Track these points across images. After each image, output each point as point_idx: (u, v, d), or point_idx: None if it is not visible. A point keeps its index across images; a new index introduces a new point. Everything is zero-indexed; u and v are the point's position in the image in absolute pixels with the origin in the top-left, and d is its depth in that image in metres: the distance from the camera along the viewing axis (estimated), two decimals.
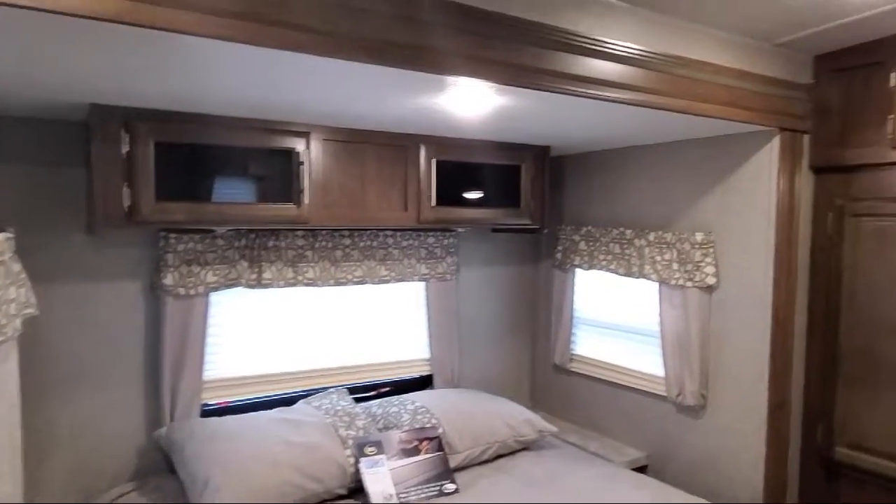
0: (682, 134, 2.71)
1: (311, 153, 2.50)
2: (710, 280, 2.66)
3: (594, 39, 1.92)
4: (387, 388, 3.20)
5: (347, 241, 2.94)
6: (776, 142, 2.46)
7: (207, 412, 2.72)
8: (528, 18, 1.79)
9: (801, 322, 2.60)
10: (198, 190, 2.35)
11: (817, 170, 2.57)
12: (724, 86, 2.24)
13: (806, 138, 2.54)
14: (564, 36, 1.87)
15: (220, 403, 2.80)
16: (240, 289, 2.71)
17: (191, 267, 2.56)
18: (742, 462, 2.60)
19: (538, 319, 3.68)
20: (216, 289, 2.63)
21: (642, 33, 2.04)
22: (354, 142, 2.62)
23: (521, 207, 3.09)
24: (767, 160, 2.49)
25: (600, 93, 1.98)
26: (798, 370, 2.61)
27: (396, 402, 2.87)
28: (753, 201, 2.54)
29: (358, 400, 2.92)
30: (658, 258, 2.82)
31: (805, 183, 2.55)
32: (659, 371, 2.92)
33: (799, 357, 2.61)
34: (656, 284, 2.87)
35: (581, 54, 1.92)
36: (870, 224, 2.42)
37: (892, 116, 2.31)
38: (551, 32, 1.84)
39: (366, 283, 3.00)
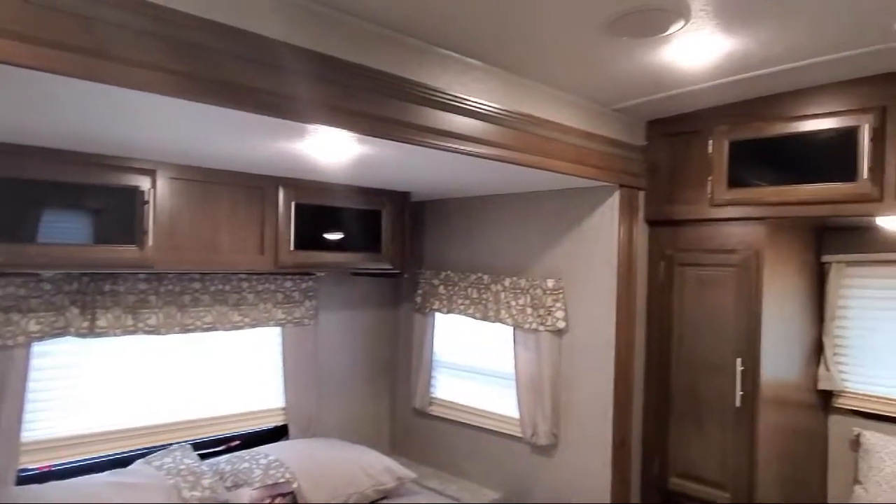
0: (535, 186, 2.87)
1: (158, 192, 2.34)
2: (561, 324, 2.82)
3: (454, 96, 2.00)
4: (236, 442, 3.01)
5: (197, 286, 2.76)
6: (616, 196, 2.69)
7: (26, 479, 2.39)
8: (390, 72, 1.82)
9: (639, 363, 2.82)
10: (18, 229, 2.10)
11: (651, 223, 2.84)
12: (571, 144, 2.42)
13: (641, 194, 2.80)
14: (425, 91, 1.92)
15: (43, 468, 2.47)
16: (69, 338, 2.43)
17: (9, 314, 2.27)
18: (590, 496, 2.74)
19: (398, 363, 3.68)
20: (40, 338, 2.35)
21: (499, 92, 2.15)
22: (208, 181, 2.50)
23: (382, 252, 3.10)
24: (609, 213, 2.71)
25: (459, 146, 2.05)
26: (637, 408, 2.82)
27: (248, 457, 2.70)
28: (598, 250, 2.75)
29: (204, 456, 2.71)
30: (513, 303, 2.95)
31: (641, 234, 2.81)
32: (514, 412, 3.02)
33: (638, 396, 2.82)
34: (511, 328, 2.99)
35: (441, 109, 1.98)
36: (693, 272, 2.70)
37: (710, 178, 2.62)
38: (413, 87, 1.89)
39: (216, 329, 2.82)
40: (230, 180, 2.55)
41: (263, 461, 2.65)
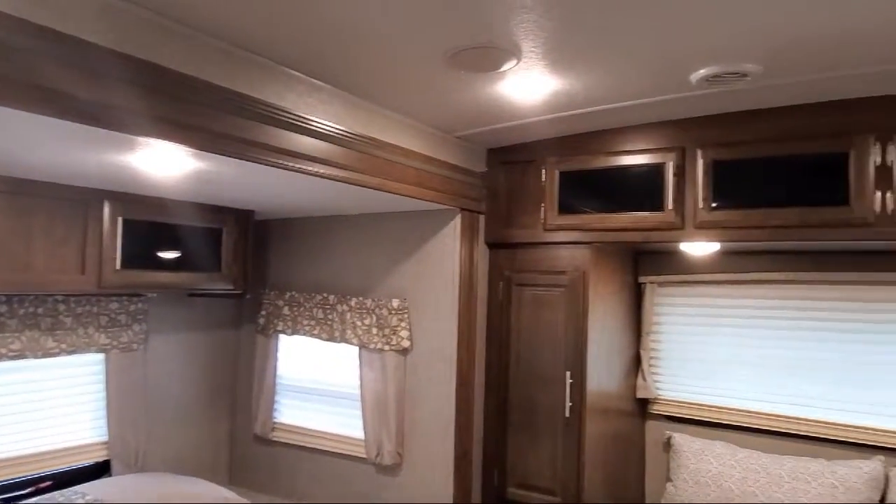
0: (380, 207, 2.92)
1: None
2: (406, 343, 2.87)
3: (298, 115, 1.99)
4: (47, 483, 2.70)
5: (3, 308, 2.46)
6: (458, 220, 2.81)
7: None
8: (230, 87, 1.78)
9: (480, 379, 2.95)
10: None
11: (491, 245, 3.00)
12: (414, 168, 2.50)
13: (482, 218, 2.95)
14: (268, 109, 1.89)
15: None
16: None
17: None
18: None
19: (239, 388, 3.52)
20: None
21: (345, 115, 2.18)
22: (20, 193, 2.25)
23: (222, 271, 2.97)
24: (452, 235, 2.82)
25: (302, 166, 2.04)
26: (478, 422, 2.94)
27: (62, 498, 2.44)
28: (441, 271, 2.85)
29: (9, 501, 2.40)
30: (359, 323, 2.95)
31: (482, 256, 2.95)
32: (360, 434, 3.01)
33: (479, 410, 2.94)
34: (357, 348, 2.99)
35: (285, 128, 1.97)
36: (529, 292, 2.89)
37: (543, 205, 2.82)
38: (255, 104, 1.85)
39: (26, 357, 2.53)
40: (47, 193, 2.32)
41: (80, 501, 2.41)
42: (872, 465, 2.80)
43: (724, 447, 3.10)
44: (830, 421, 2.98)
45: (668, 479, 3.19)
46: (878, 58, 1.93)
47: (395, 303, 2.88)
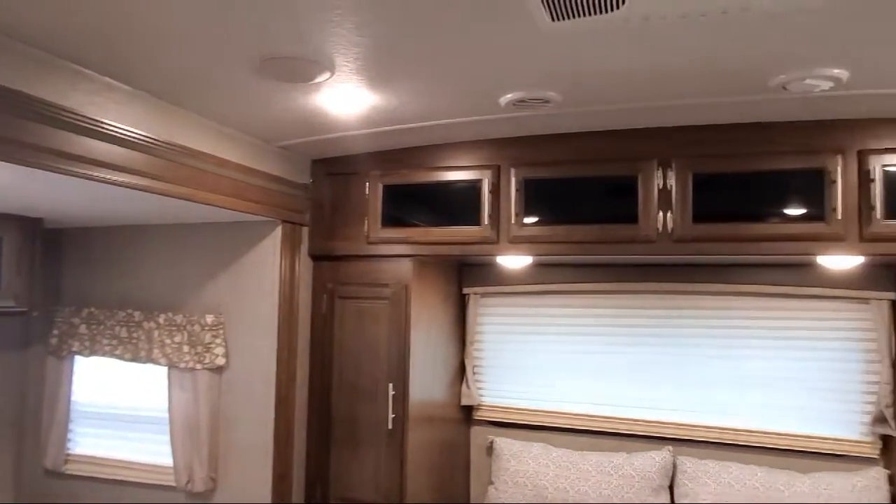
0: (192, 217, 2.75)
1: None
2: (220, 361, 2.72)
3: (85, 117, 1.80)
4: None
5: None
6: (279, 231, 2.72)
7: None
8: None
9: (302, 395, 2.87)
10: None
11: (315, 257, 2.94)
12: (230, 178, 2.38)
13: (305, 230, 2.88)
14: (46, 108, 1.69)
15: None
16: None
17: None
18: None
19: (26, 418, 3.11)
20: None
21: (145, 118, 2.01)
22: None
23: (2, 287, 2.61)
24: (272, 247, 2.72)
25: (92, 172, 1.85)
26: (300, 440, 2.86)
27: None
28: (260, 284, 2.73)
29: None
30: (168, 341, 2.75)
31: (305, 268, 2.88)
32: (168, 460, 2.79)
33: (301, 427, 2.86)
34: (165, 368, 2.78)
35: (71, 131, 1.78)
36: (353, 305, 2.87)
37: (367, 218, 2.82)
38: (28, 102, 1.65)
39: None
40: None
41: None
42: (663, 455, 3.12)
43: (540, 448, 3.29)
44: (629, 417, 3.28)
45: (491, 482, 3.32)
46: (657, 95, 2.17)
47: (210, 318, 2.71)
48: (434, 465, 3.06)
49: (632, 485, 3.04)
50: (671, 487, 3.09)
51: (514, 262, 2.99)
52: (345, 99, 2.15)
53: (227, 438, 2.74)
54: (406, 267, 2.80)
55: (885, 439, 2.92)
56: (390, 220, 2.82)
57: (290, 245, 2.77)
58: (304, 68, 1.87)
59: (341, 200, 2.90)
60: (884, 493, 2.81)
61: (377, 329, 2.82)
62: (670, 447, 3.15)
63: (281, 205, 2.68)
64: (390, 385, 2.75)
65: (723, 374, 3.15)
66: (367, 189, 2.83)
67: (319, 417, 2.88)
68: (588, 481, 3.09)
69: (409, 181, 2.80)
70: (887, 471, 2.88)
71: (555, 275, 3.30)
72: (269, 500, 2.65)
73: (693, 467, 3.05)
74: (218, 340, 2.72)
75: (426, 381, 2.96)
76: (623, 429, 3.28)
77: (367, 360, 2.82)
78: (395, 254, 2.80)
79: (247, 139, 2.48)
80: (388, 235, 2.81)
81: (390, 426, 2.74)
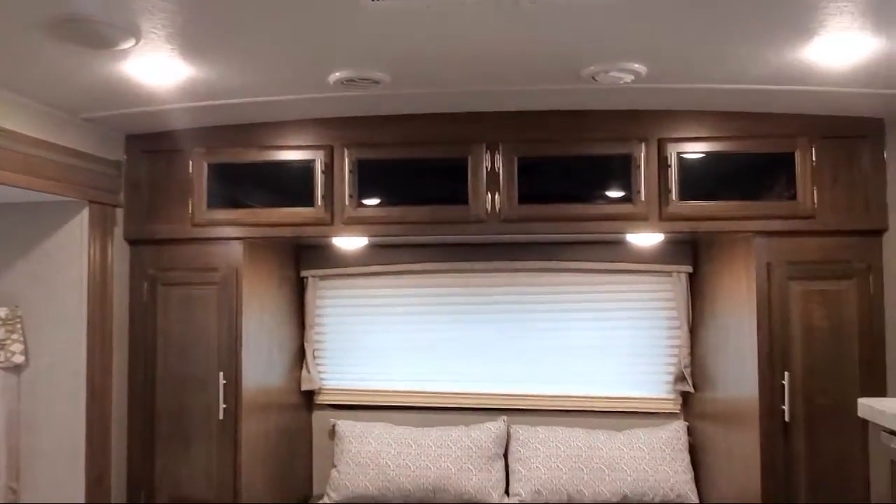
0: None
1: None
2: (18, 359, 2.43)
3: None
4: None
5: None
6: (86, 213, 2.46)
7: None
8: None
9: (121, 390, 2.65)
10: None
11: (132, 242, 2.71)
12: (21, 153, 2.11)
13: (119, 211, 2.64)
14: None
15: None
16: None
17: None
18: None
19: None
20: None
21: None
22: None
23: None
24: (78, 231, 2.47)
25: None
26: (120, 438, 2.64)
27: None
28: (65, 273, 2.47)
29: None
30: None
31: (120, 253, 2.65)
32: None
33: (121, 424, 2.64)
34: None
35: None
36: (178, 292, 2.69)
37: (191, 198, 2.65)
38: None
39: None
40: None
41: None
42: (498, 425, 3.29)
43: (382, 427, 3.33)
44: (466, 392, 3.42)
45: (334, 466, 3.30)
46: (481, 80, 2.24)
47: (3, 312, 2.40)
48: (272, 453, 2.98)
49: (469, 456, 3.17)
50: (506, 455, 3.27)
51: (350, 243, 2.97)
52: (157, 69, 1.99)
53: (29, 443, 2.46)
54: (236, 250, 2.68)
55: (685, 396, 3.30)
56: (217, 201, 2.67)
57: (101, 228, 2.52)
58: (103, 33, 1.70)
59: (161, 180, 2.69)
60: (684, 443, 3.18)
61: (206, 316, 2.67)
62: (505, 417, 3.33)
63: (87, 184, 2.43)
64: (221, 374, 2.62)
65: (549, 345, 3.38)
66: (190, 168, 2.65)
67: (142, 413, 2.68)
68: (429, 456, 3.17)
69: (236, 160, 2.67)
70: (686, 423, 3.26)
71: (392, 256, 3.33)
72: None
73: (525, 434, 3.25)
74: (14, 336, 2.42)
75: (261, 368, 2.86)
76: (461, 403, 3.41)
77: (196, 349, 2.66)
78: (224, 237, 2.66)
79: (43, 109, 2.21)
80: (216, 217, 2.66)
81: (221, 417, 2.61)
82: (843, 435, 2.39)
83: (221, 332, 2.65)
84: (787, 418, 2.41)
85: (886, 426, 1.63)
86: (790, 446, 2.43)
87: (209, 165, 2.65)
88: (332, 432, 3.40)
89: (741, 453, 2.61)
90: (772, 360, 2.45)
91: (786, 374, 2.42)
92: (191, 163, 2.65)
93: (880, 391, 2.41)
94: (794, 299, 2.46)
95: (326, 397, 3.50)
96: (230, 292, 2.66)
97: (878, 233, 2.47)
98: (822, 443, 2.42)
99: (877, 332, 2.44)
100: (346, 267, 3.34)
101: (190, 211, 2.65)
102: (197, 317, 2.67)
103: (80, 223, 2.46)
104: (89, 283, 2.45)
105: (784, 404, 2.41)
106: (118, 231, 2.63)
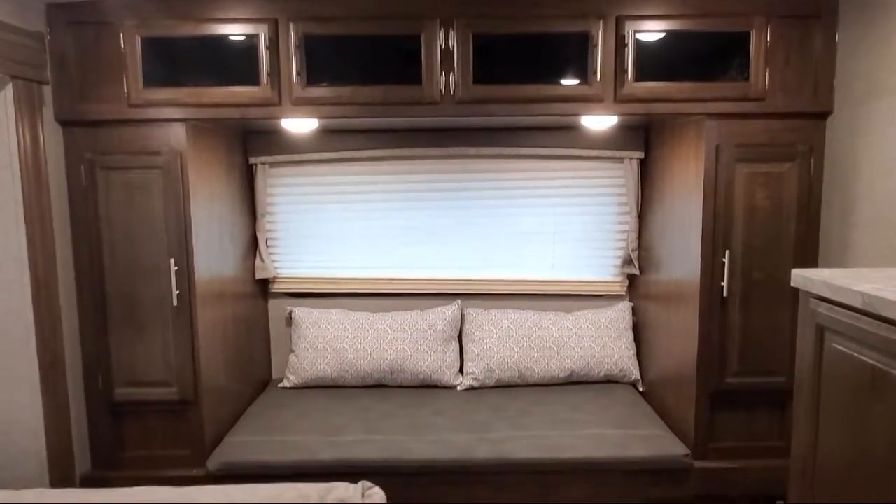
0: None
1: None
2: None
3: None
4: None
5: None
6: (9, 90, 2.28)
7: None
8: None
9: (68, 277, 2.59)
10: None
11: (64, 123, 2.55)
12: None
13: (46, 89, 2.46)
14: None
15: None
16: None
17: None
18: (22, 434, 2.44)
19: None
20: None
21: None
22: None
23: None
24: (2, 109, 2.29)
25: None
26: (72, 325, 2.61)
27: None
28: None
29: None
30: None
31: (53, 136, 2.49)
32: None
33: (71, 311, 2.60)
34: None
35: None
36: (119, 176, 2.57)
37: (125, 76, 2.48)
38: None
39: None
40: None
41: None
42: (452, 309, 3.39)
43: (339, 314, 3.39)
44: (421, 277, 3.48)
45: (291, 351, 3.37)
46: None
47: None
48: (230, 341, 3.01)
49: (425, 338, 3.28)
50: (460, 337, 3.39)
51: (299, 126, 2.87)
52: None
53: None
54: (178, 133, 2.55)
55: (631, 278, 3.44)
56: (155, 79, 2.51)
57: (29, 107, 2.34)
58: None
59: (91, 55, 2.49)
60: (628, 322, 3.35)
61: (151, 202, 2.58)
62: (459, 301, 3.42)
63: (6, 56, 2.23)
64: (172, 261, 2.58)
65: (502, 231, 3.44)
66: (122, 42, 2.46)
67: (93, 300, 2.63)
68: (385, 339, 3.27)
69: (173, 34, 2.49)
70: (631, 304, 3.42)
71: (345, 142, 3.26)
72: (39, 393, 2.42)
73: (479, 317, 3.36)
74: None
75: (213, 256, 2.83)
76: (416, 289, 3.49)
77: (143, 236, 2.59)
78: (164, 118, 2.53)
79: None
80: (154, 97, 2.51)
81: (176, 303, 2.60)
82: (775, 307, 2.55)
83: (169, 218, 2.57)
84: (725, 293, 2.55)
85: (815, 292, 1.73)
86: (726, 319, 2.58)
87: (142, 39, 2.46)
88: (289, 319, 3.45)
89: (681, 329, 2.77)
90: (714, 239, 2.55)
91: (726, 252, 2.53)
92: (122, 36, 2.46)
93: (812, 266, 2.56)
94: (739, 181, 2.53)
95: (282, 286, 3.52)
96: (175, 177, 2.56)
97: (823, 116, 2.52)
98: (755, 315, 2.58)
99: (813, 211, 2.55)
100: (296, 153, 3.25)
101: (125, 90, 2.49)
102: (141, 202, 2.58)
103: (3, 101, 2.28)
104: (22, 166, 2.31)
105: (723, 281, 2.54)
106: (48, 112, 2.46)
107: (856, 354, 1.56)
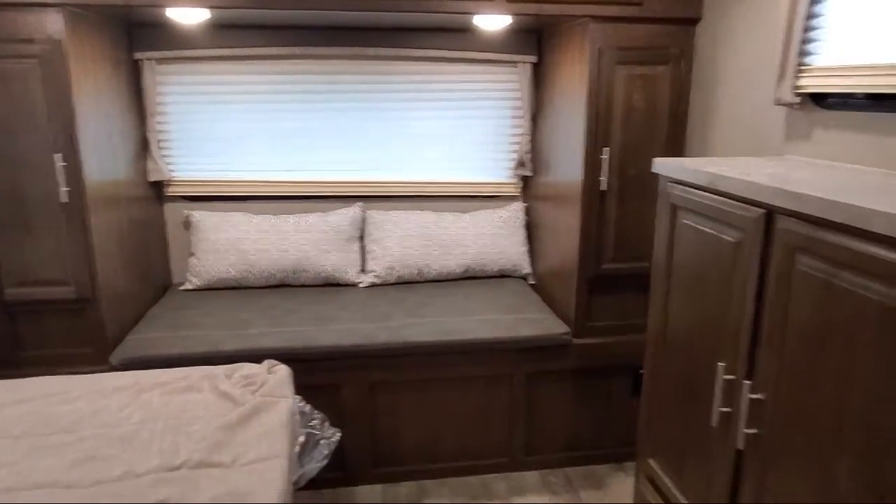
0: None
1: None
2: None
3: None
4: None
5: None
6: None
7: None
8: None
9: None
10: None
11: None
12: None
13: None
14: None
15: None
16: None
17: None
18: None
19: None
20: None
21: None
22: None
23: None
24: None
25: None
26: None
27: None
28: None
29: None
30: None
31: None
32: None
33: None
34: None
35: None
36: None
37: None
38: None
39: None
40: None
41: None
42: (354, 211, 3.48)
43: (240, 217, 3.40)
44: (322, 180, 3.53)
45: (191, 254, 3.37)
46: None
47: None
48: (126, 244, 2.96)
49: (328, 238, 3.37)
50: (361, 238, 3.50)
51: (186, 15, 2.75)
52: None
53: None
54: (55, 20, 2.40)
55: (525, 179, 3.65)
56: None
57: None
58: None
59: None
60: (521, 221, 3.58)
61: (29, 93, 2.43)
62: (361, 203, 3.52)
63: None
64: (60, 156, 2.49)
65: (400, 133, 3.52)
66: None
67: None
68: (288, 240, 3.33)
69: None
70: (525, 204, 3.64)
71: (239, 38, 3.17)
72: None
73: (380, 218, 3.48)
74: None
75: (103, 155, 2.74)
76: (316, 191, 3.53)
77: (22, 128, 2.46)
78: (35, 2, 2.36)
79: None
80: None
81: (66, 200, 2.52)
82: (645, 199, 2.83)
83: (52, 111, 2.46)
84: (603, 188, 2.79)
85: (672, 176, 1.97)
86: (603, 213, 2.84)
87: None
88: (187, 223, 3.43)
89: (566, 225, 3.01)
90: (596, 138, 2.75)
91: (605, 150, 2.75)
92: None
93: None
94: (619, 83, 2.72)
95: (178, 189, 3.46)
96: (55, 68, 2.42)
97: (693, 21, 2.73)
98: (629, 207, 2.85)
99: (682, 112, 2.80)
100: (187, 49, 3.13)
101: None
102: (17, 93, 2.43)
103: None
104: None
105: (602, 176, 2.77)
106: None
107: (699, 227, 1.82)
